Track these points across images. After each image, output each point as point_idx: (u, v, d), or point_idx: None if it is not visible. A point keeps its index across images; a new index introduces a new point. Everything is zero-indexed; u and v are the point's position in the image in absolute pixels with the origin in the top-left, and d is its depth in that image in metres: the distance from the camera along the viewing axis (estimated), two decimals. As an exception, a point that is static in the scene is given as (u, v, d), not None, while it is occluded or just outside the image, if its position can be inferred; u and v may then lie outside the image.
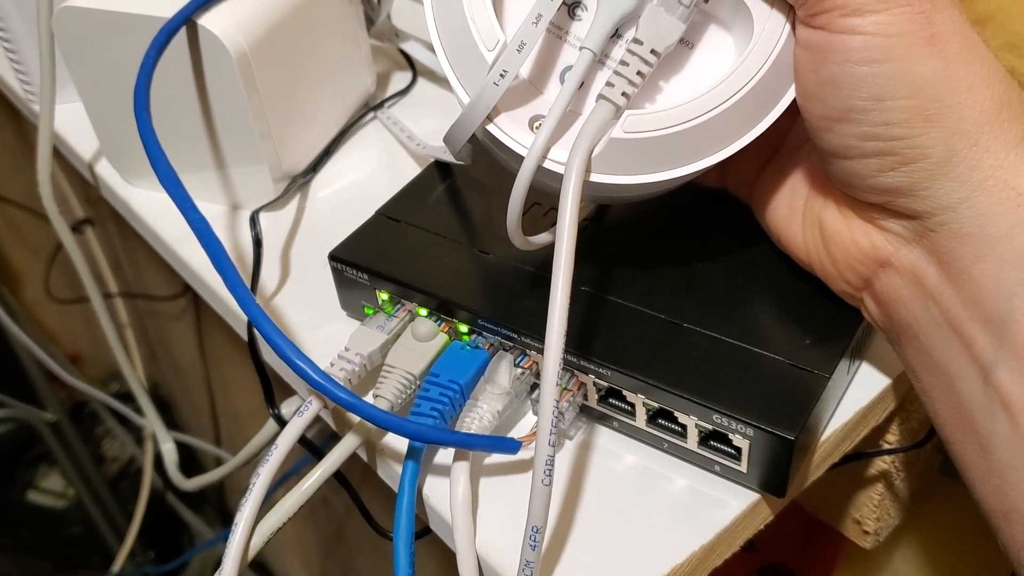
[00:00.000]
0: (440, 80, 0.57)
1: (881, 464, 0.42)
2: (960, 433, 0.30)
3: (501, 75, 0.31)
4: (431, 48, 0.55)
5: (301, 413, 0.35)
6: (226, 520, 1.50)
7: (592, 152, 0.31)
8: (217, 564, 0.33)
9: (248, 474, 0.35)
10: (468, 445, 0.33)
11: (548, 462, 0.29)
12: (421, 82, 0.57)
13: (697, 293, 0.36)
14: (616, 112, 0.31)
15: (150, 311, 1.30)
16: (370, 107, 0.54)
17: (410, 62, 0.58)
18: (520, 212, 0.32)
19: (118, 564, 1.24)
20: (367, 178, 0.50)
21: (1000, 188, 0.28)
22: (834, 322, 0.35)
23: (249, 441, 0.51)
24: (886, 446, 0.40)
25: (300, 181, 0.49)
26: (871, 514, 0.44)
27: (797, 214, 0.34)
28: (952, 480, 0.45)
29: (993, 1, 0.40)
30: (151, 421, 0.80)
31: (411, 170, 0.50)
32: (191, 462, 1.30)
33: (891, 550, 0.50)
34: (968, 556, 0.48)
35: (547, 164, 0.32)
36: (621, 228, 0.40)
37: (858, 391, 0.36)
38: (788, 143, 0.36)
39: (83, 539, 1.49)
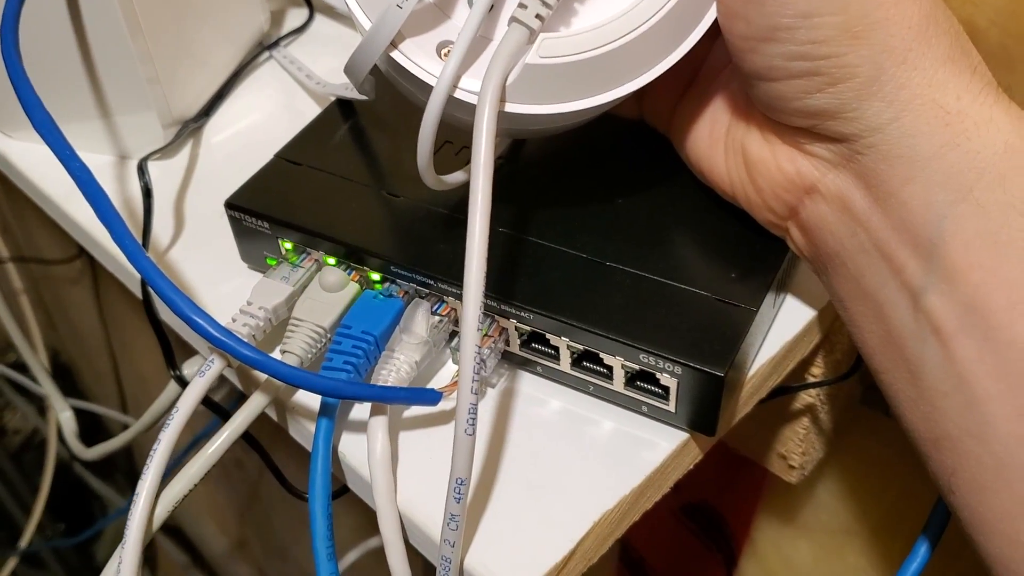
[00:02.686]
0: (339, 17, 0.54)
1: (806, 398, 0.41)
2: (889, 362, 0.29)
3: (405, -2, 0.28)
4: (329, -19, 0.52)
5: (202, 373, 0.33)
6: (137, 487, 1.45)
7: (506, 80, 0.29)
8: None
9: (154, 439, 0.33)
10: (385, 399, 0.31)
11: (471, 411, 0.28)
12: (319, 19, 0.54)
13: (619, 231, 0.35)
14: (530, 36, 0.29)
15: (44, 275, 1.24)
16: (264, 46, 0.51)
17: (306, -2, 0.55)
18: (431, 148, 0.30)
19: (25, 538, 1.20)
20: (265, 121, 0.47)
21: (929, 107, 0.27)
22: (759, 254, 0.34)
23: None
24: (811, 379, 0.40)
25: (192, 126, 0.45)
26: (797, 448, 0.44)
27: (719, 143, 0.33)
28: (873, 411, 0.45)
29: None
30: (47, 389, 0.76)
31: (312, 111, 0.47)
32: (97, 430, 1.25)
33: (814, 483, 0.50)
34: (890, 485, 0.48)
35: (458, 94, 0.29)
36: (537, 165, 0.38)
37: (784, 324, 0.36)
38: (706, 69, 0.34)
39: (-14, 515, 1.45)
